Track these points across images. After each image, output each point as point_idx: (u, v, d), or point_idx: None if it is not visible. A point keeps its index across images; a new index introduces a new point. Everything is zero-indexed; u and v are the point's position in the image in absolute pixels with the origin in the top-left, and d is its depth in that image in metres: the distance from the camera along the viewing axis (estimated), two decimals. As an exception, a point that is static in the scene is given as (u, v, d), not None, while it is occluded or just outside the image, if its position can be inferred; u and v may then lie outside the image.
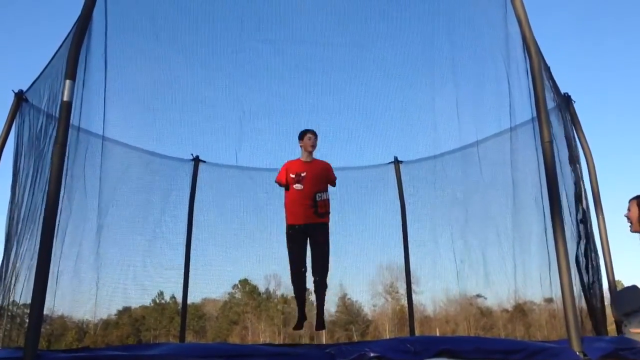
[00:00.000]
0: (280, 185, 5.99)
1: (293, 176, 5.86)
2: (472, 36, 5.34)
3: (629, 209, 4.41)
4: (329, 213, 5.90)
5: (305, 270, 5.71)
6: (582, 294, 4.82)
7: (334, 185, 6.10)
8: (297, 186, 5.80)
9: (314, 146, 5.96)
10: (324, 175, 5.99)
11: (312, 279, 5.70)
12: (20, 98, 5.24)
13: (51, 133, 4.26)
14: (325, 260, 5.73)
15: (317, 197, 5.79)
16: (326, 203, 5.88)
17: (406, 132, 7.13)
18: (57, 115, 3.45)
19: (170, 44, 5.56)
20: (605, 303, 5.18)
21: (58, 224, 3.26)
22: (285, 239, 5.88)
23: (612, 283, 5.37)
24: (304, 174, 5.85)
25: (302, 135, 6.00)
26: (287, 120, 6.91)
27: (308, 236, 5.76)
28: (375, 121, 7.06)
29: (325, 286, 5.76)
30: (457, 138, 6.41)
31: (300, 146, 6.02)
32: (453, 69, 5.69)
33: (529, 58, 3.92)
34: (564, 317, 3.41)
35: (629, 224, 4.45)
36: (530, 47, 3.92)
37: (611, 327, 5.17)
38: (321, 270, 5.69)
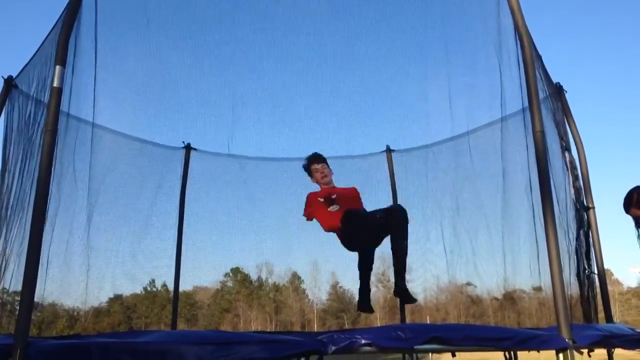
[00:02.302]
0: (310, 218, 5.36)
1: (322, 200, 5.25)
2: (465, 26, 5.34)
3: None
4: None
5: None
6: (571, 282, 4.86)
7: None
8: (333, 208, 5.17)
9: (326, 177, 5.39)
10: (354, 196, 5.51)
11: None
12: (9, 84, 5.19)
13: (40, 119, 4.23)
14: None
15: None
16: None
17: (398, 121, 7.14)
18: (47, 101, 3.42)
19: (162, 30, 5.50)
20: (596, 291, 5.23)
21: (48, 211, 3.24)
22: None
23: (602, 272, 5.42)
24: (334, 195, 5.26)
25: (308, 170, 5.45)
26: (279, 109, 6.89)
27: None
28: (367, 110, 7.06)
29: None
30: (449, 127, 6.43)
31: (313, 182, 5.48)
32: (446, 59, 5.69)
33: (521, 47, 3.92)
34: (554, 305, 3.44)
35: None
36: (523, 36, 3.91)
37: (600, 315, 5.23)
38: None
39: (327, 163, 5.43)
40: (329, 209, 5.19)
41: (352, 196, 5.42)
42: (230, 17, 5.61)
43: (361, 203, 5.50)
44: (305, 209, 5.38)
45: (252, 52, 6.11)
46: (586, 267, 5.14)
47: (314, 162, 5.40)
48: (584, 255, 5.15)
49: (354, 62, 6.41)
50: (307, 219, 5.38)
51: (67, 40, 3.39)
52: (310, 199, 5.37)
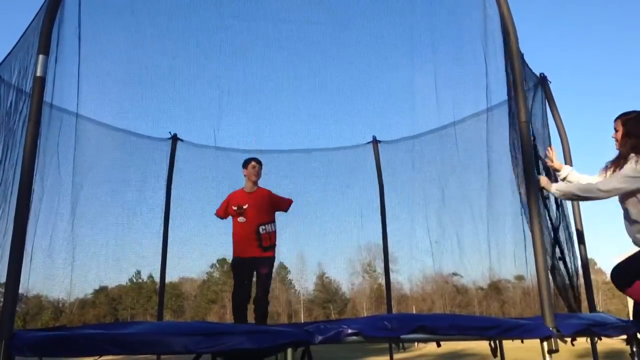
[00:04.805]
0: (219, 217, 5.96)
1: (235, 208, 5.77)
2: (451, 17, 5.33)
3: (615, 129, 4.28)
4: (274, 246, 5.77)
5: (248, 302, 5.64)
6: (556, 272, 4.90)
7: (286, 210, 5.99)
8: (240, 219, 5.73)
9: (258, 176, 5.87)
10: (268, 206, 5.86)
11: (253, 307, 5.62)
12: (-8, 74, 5.10)
13: (22, 108, 4.17)
14: (266, 293, 5.62)
15: (260, 229, 5.67)
16: (271, 236, 5.74)
17: (385, 112, 7.13)
18: (29, 90, 3.36)
19: (147, 20, 5.43)
20: (580, 282, 5.28)
21: (31, 202, 3.21)
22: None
23: (585, 261, 5.48)
24: (246, 206, 5.75)
25: (245, 164, 5.90)
26: (266, 101, 6.85)
27: (254, 269, 5.66)
28: (353, 101, 7.04)
29: (265, 316, 5.67)
30: (436, 118, 6.43)
31: (244, 175, 5.91)
32: (432, 50, 5.69)
33: (507, 37, 3.93)
34: (538, 294, 3.47)
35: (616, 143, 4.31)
36: (508, 27, 3.92)
37: (584, 305, 5.29)
38: (261, 302, 5.59)
39: (261, 166, 5.97)
40: (238, 219, 5.77)
41: (264, 207, 5.83)
42: (215, 5, 5.56)
43: (274, 207, 5.94)
44: (220, 207, 5.98)
45: (238, 42, 6.06)
46: (568, 258, 5.19)
47: (252, 161, 5.92)
48: (564, 246, 5.20)
49: (340, 53, 6.39)
50: (218, 216, 6.00)
51: (50, 28, 3.34)
52: (226, 200, 5.95)
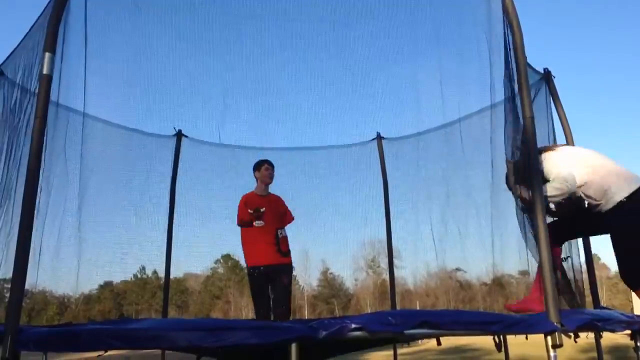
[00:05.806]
0: (244, 224, 5.60)
1: (251, 212, 5.48)
2: (455, 13, 5.32)
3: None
4: (290, 252, 5.62)
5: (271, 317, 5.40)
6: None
7: (290, 222, 5.84)
8: (258, 223, 5.47)
9: (271, 178, 5.71)
10: (282, 211, 5.75)
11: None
12: (-4, 72, 5.12)
13: (26, 107, 4.18)
14: (288, 303, 5.43)
15: (278, 233, 5.52)
16: (287, 240, 5.61)
17: (389, 108, 7.13)
18: (33, 89, 3.37)
19: (152, 17, 5.45)
20: (583, 277, 5.28)
21: (38, 200, 3.22)
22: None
23: (589, 256, 5.47)
24: (263, 209, 5.50)
25: (258, 166, 5.73)
26: (270, 98, 6.86)
27: (271, 278, 5.44)
28: (358, 98, 7.04)
29: None
30: (440, 115, 6.43)
31: (256, 177, 5.74)
32: (437, 46, 5.68)
33: (511, 32, 3.91)
34: (543, 289, 3.47)
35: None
36: (513, 22, 3.90)
37: (587, 300, 5.29)
38: (283, 313, 5.35)
39: (273, 169, 5.80)
40: (254, 223, 5.50)
41: (279, 211, 5.68)
42: (220, 3, 5.56)
43: (284, 217, 5.79)
44: (240, 213, 5.65)
45: (243, 40, 6.07)
46: (570, 254, 5.19)
47: (265, 164, 5.73)
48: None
49: (343, 50, 6.38)
50: (242, 223, 5.63)
51: (57, 26, 3.34)
52: (242, 205, 5.64)
